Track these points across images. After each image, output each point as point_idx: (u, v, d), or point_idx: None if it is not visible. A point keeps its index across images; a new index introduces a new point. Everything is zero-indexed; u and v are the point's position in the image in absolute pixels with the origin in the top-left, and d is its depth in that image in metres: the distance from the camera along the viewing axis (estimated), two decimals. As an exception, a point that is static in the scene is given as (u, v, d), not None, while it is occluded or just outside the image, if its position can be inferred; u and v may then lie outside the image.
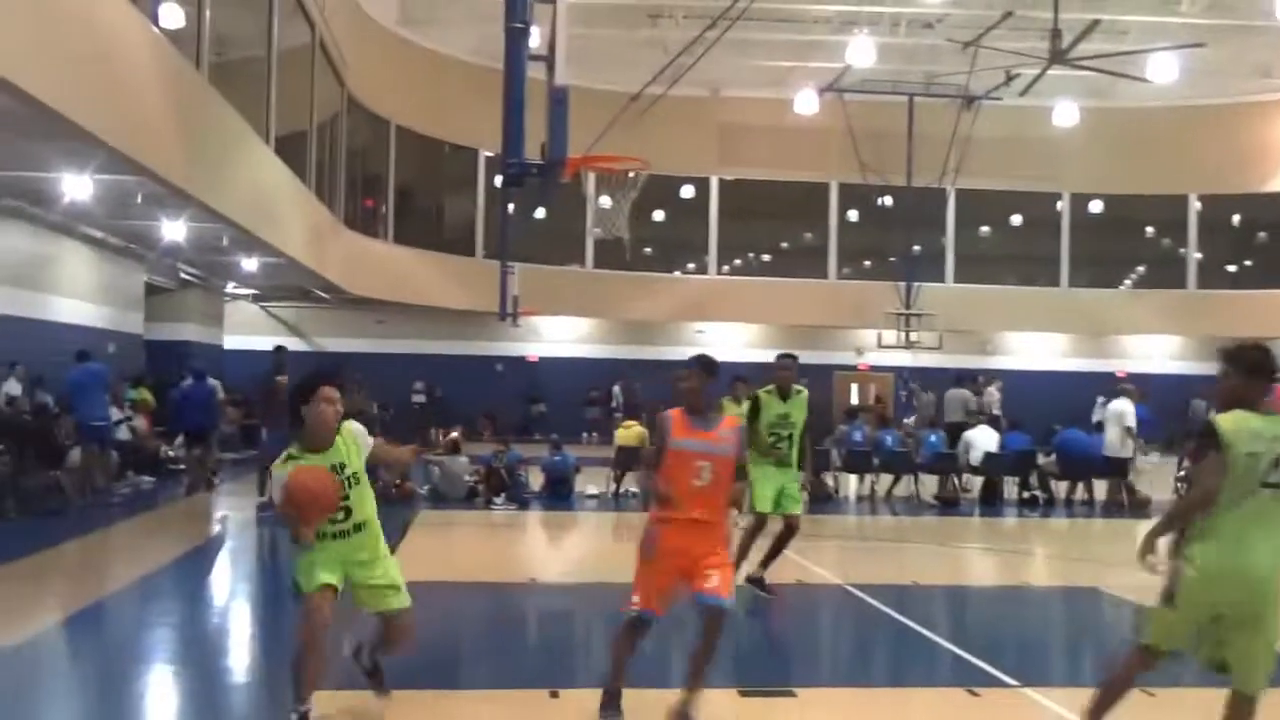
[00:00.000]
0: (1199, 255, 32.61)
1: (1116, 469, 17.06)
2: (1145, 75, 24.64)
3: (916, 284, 29.63)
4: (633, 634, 6.12)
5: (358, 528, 5.63)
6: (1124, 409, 16.99)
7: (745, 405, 10.04)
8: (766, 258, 33.68)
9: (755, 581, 9.62)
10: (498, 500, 15.98)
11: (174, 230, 17.22)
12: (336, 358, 28.38)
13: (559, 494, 16.93)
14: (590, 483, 17.47)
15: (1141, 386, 23.93)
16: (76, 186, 13.95)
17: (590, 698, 7.09)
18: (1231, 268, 33.26)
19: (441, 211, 32.99)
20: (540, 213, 27.70)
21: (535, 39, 12.69)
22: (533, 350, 31.75)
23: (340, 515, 5.54)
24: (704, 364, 6.16)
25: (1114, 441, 16.92)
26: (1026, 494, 17.69)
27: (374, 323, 30.09)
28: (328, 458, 5.62)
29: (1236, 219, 33.08)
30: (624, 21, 25.72)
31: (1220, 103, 29.98)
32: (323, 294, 26.89)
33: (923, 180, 29.34)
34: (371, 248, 27.08)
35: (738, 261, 33.15)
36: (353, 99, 24.89)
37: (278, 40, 17.86)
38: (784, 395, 9.74)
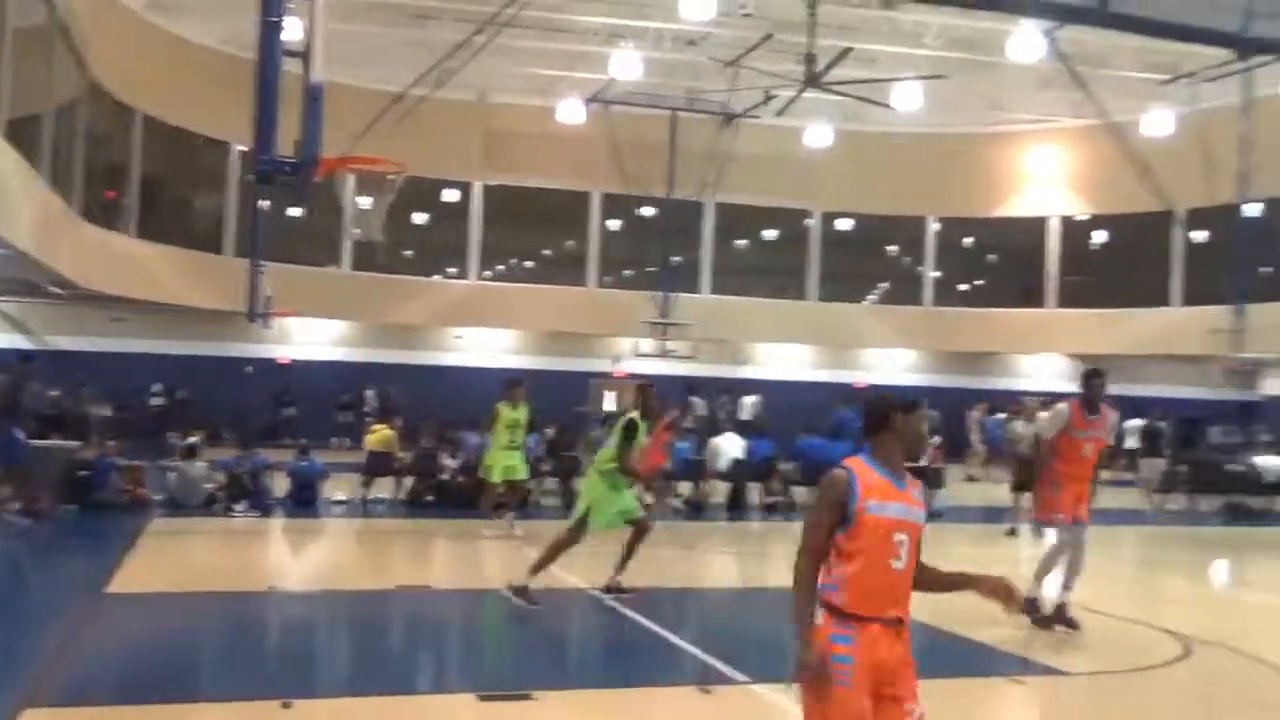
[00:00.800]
0: (936, 274, 34.62)
1: (918, 476, 18.02)
2: (890, 102, 26.03)
3: (674, 294, 30.34)
4: None
5: None
6: None
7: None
8: (529, 264, 33.77)
9: (614, 589, 9.85)
10: (238, 507, 15.43)
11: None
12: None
13: (304, 500, 16.46)
14: (338, 489, 17.09)
15: (860, 393, 25.38)
16: None
17: (324, 707, 6.96)
18: (964, 287, 35.43)
19: (190, 206, 31.59)
20: (296, 211, 26.89)
21: (295, 31, 12.35)
22: (284, 352, 30.79)
23: None
24: (894, 403, 4.38)
25: None
26: (769, 499, 18.36)
27: (110, 321, 28.50)
28: None
29: (969, 241, 35.28)
30: (390, 20, 25.25)
31: (958, 131, 31.92)
32: (55, 289, 25.27)
33: (683, 193, 30.06)
34: (112, 242, 25.63)
35: (500, 267, 33.09)
36: (96, 85, 23.51)
37: (11, 18, 16.71)
38: (646, 415, 10.16)
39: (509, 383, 14.84)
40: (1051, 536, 9.59)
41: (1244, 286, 26.48)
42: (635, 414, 9.97)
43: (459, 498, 16.38)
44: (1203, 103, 26.13)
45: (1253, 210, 27.40)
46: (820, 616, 4.15)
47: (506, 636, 9.41)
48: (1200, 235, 30.37)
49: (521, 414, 14.23)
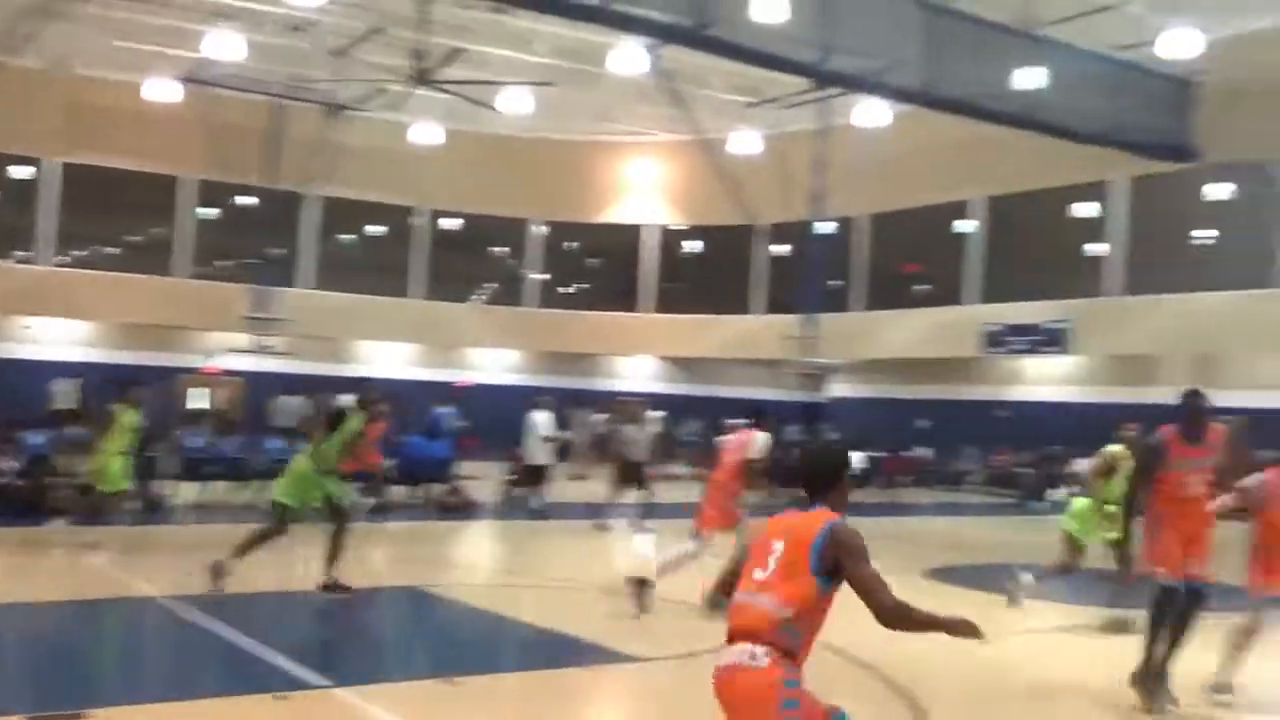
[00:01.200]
0: (540, 276, 35.34)
1: (532, 475, 18.60)
2: (497, 106, 26.29)
3: (273, 288, 29.17)
4: None
5: None
6: (542, 420, 18.19)
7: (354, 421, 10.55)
8: (111, 251, 31.30)
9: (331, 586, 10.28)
10: None
11: None
12: None
13: None
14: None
15: (461, 392, 25.65)
16: None
17: None
18: (567, 289, 36.38)
19: None
20: None
21: None
22: None
23: None
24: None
25: (533, 449, 18.08)
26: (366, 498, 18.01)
27: None
28: None
29: (573, 245, 36.28)
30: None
31: (564, 138, 32.69)
32: None
33: (287, 183, 28.97)
34: None
35: (77, 253, 30.48)
36: None
37: None
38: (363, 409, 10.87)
39: (127, 383, 14.11)
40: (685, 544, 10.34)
41: (815, 297, 28.94)
42: (353, 405, 10.65)
43: (17, 503, 14.93)
44: (785, 126, 28.32)
45: (825, 228, 29.96)
46: (769, 659, 3.97)
47: (63, 653, 8.66)
48: (780, 249, 32.83)
49: (139, 416, 13.47)
